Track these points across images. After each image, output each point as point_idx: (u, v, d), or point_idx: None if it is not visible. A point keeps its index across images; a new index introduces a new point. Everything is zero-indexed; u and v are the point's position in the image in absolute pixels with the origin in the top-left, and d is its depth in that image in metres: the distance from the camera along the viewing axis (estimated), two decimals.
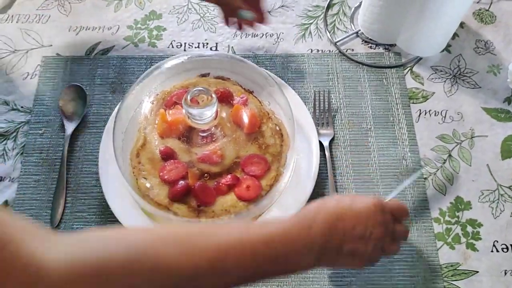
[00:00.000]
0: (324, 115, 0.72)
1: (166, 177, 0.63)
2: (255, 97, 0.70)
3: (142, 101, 0.69)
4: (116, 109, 0.69)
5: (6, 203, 0.67)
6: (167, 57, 0.70)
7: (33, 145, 0.71)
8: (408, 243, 0.64)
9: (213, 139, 0.65)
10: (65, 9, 0.84)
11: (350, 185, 0.68)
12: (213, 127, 0.65)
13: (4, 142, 0.71)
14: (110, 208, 0.64)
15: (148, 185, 0.63)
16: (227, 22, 0.72)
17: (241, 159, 0.65)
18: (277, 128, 0.68)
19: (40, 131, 0.72)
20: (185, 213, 0.62)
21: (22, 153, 0.70)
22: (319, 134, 0.70)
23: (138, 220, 0.63)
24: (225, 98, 0.68)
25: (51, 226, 0.65)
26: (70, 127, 0.71)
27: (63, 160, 0.69)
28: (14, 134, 0.72)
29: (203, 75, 0.71)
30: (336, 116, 0.73)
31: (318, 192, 0.66)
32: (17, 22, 0.82)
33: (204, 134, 0.65)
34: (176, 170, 0.64)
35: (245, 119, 0.66)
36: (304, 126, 0.69)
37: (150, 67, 0.76)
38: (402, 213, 0.53)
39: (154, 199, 0.63)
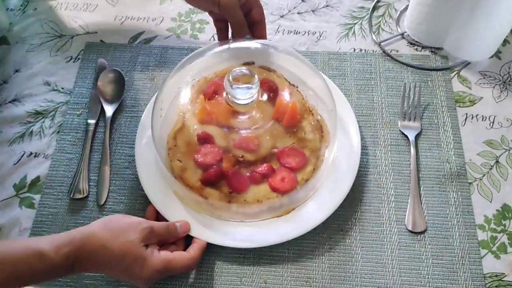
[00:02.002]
0: (412, 109, 0.70)
1: (201, 160, 0.62)
2: (299, 92, 0.68)
3: (183, 85, 0.68)
4: (157, 93, 0.68)
5: (38, 178, 0.67)
6: None
7: (70, 124, 0.71)
8: (450, 248, 0.60)
9: (252, 126, 0.63)
10: None
11: (390, 184, 0.65)
12: (253, 112, 0.63)
13: (42, 120, 0.72)
14: (143, 191, 0.63)
15: (182, 166, 0.62)
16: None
17: (278, 150, 0.63)
18: (318, 124, 0.66)
19: (77, 112, 0.72)
20: (216, 198, 0.60)
21: (58, 132, 0.71)
22: (404, 127, 0.68)
23: (170, 202, 0.62)
24: (267, 88, 0.66)
25: (97, 204, 0.64)
26: (109, 110, 0.71)
27: (106, 141, 0.69)
28: (53, 113, 0.73)
29: (247, 63, 0.69)
30: (377, 115, 0.70)
31: (357, 189, 0.64)
32: (65, 9, 0.84)
33: (244, 118, 0.63)
34: (211, 154, 0.62)
35: (286, 112, 0.64)
36: (346, 122, 0.67)
37: None
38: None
39: (186, 182, 0.61)
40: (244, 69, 0.60)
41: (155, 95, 0.68)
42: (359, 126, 0.67)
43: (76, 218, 0.64)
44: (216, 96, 0.65)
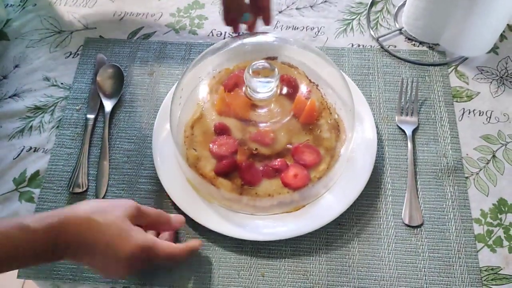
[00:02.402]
0: (409, 104, 0.70)
1: (215, 150, 0.63)
2: (319, 90, 0.68)
3: (204, 76, 0.68)
4: (178, 81, 0.68)
5: (37, 173, 0.67)
6: (207, 45, 0.69)
7: (69, 119, 0.72)
8: (446, 242, 0.60)
9: (269, 120, 0.63)
10: None
11: (387, 179, 0.65)
12: (271, 106, 0.63)
13: (41, 115, 0.72)
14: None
15: (197, 155, 0.63)
16: (227, 23, 0.68)
17: (293, 146, 0.63)
18: (336, 123, 0.66)
19: (77, 107, 0.73)
20: (228, 189, 0.61)
21: (57, 127, 0.71)
22: (401, 122, 0.69)
23: (183, 190, 0.63)
24: (287, 84, 0.66)
25: (96, 198, 0.65)
26: (108, 105, 0.72)
27: (105, 136, 0.69)
28: (52, 108, 0.73)
29: (270, 58, 0.69)
30: (375, 110, 0.70)
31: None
32: (65, 5, 0.84)
33: (261, 112, 0.63)
34: (227, 145, 0.63)
35: (304, 109, 0.64)
36: (362, 119, 0.67)
37: (189, 53, 0.77)
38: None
39: (200, 171, 0.62)
40: (264, 63, 0.61)
41: (176, 83, 0.68)
42: None
43: None
44: (236, 88, 0.66)
